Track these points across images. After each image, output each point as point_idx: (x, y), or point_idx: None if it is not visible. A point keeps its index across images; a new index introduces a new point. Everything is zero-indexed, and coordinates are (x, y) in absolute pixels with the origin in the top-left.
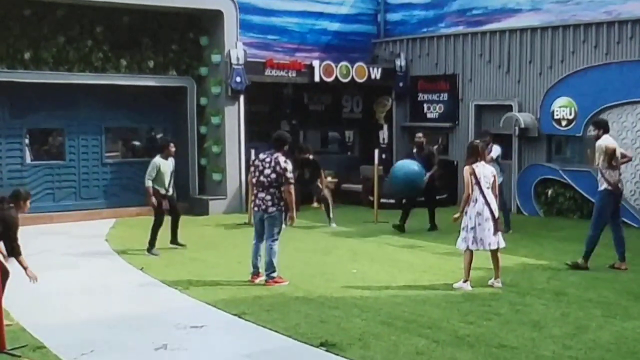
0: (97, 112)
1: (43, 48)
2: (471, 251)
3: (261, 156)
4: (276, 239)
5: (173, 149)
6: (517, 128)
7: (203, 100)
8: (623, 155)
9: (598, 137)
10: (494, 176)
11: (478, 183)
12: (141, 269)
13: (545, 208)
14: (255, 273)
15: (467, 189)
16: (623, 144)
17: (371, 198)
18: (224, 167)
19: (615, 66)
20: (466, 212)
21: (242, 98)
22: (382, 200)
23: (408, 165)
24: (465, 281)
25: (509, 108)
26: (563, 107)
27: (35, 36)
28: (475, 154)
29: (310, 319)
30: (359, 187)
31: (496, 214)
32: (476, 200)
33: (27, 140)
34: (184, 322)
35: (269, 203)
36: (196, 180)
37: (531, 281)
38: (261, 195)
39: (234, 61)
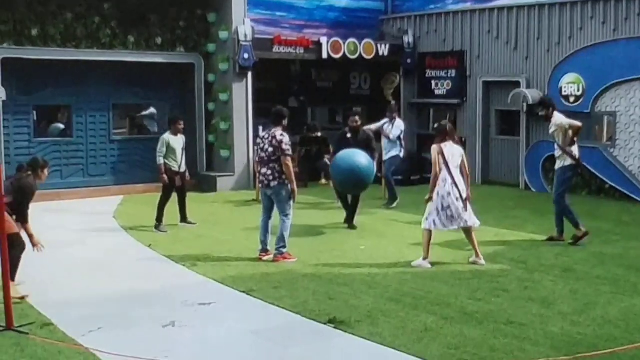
0: (105, 89)
1: (50, 25)
2: (431, 231)
3: (261, 134)
4: (288, 214)
5: (181, 126)
6: (525, 104)
7: (211, 77)
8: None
9: (548, 117)
10: (462, 156)
11: (446, 163)
12: (149, 246)
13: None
14: (264, 250)
15: (435, 168)
16: (632, 121)
17: (379, 175)
18: (232, 144)
19: (623, 42)
20: (437, 193)
21: (249, 75)
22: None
23: (355, 157)
24: (424, 258)
25: (517, 84)
26: (571, 84)
27: (43, 13)
28: (443, 134)
29: (318, 296)
30: None
31: (464, 194)
32: (445, 180)
33: (34, 117)
34: (191, 299)
35: (270, 177)
36: (204, 157)
37: (539, 258)
38: (263, 170)
39: (241, 38)
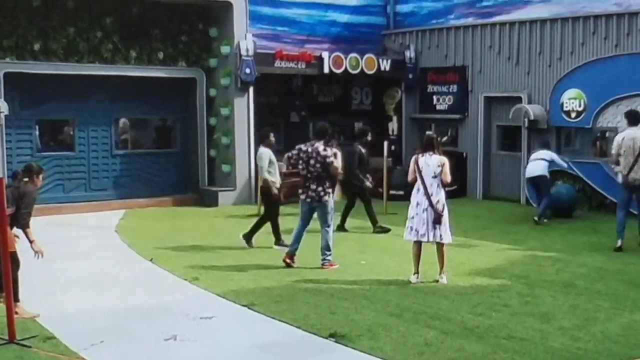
0: (107, 103)
1: (53, 39)
2: (416, 243)
3: (303, 147)
4: (330, 225)
5: (273, 139)
6: (526, 120)
7: (212, 92)
8: None
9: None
10: (442, 165)
11: (420, 172)
12: (151, 260)
13: None
14: (292, 254)
15: (409, 176)
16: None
17: (380, 190)
18: (234, 158)
19: (625, 58)
20: (410, 202)
21: (251, 89)
22: (392, 192)
23: None
24: (413, 273)
25: (519, 100)
26: (572, 99)
27: (45, 27)
28: (423, 145)
29: (319, 310)
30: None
31: (438, 207)
32: (418, 189)
33: (37, 132)
34: (193, 313)
35: (322, 193)
36: (205, 171)
37: (540, 273)
38: (313, 186)
39: (243, 52)
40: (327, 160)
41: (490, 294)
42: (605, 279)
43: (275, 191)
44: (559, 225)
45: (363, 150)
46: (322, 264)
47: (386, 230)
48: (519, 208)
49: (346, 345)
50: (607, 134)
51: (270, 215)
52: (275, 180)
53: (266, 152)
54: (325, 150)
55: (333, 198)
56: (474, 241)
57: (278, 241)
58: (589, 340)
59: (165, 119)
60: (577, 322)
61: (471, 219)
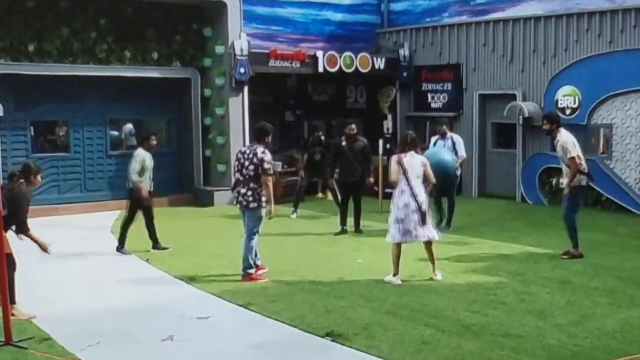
0: (102, 104)
1: (47, 40)
2: (398, 244)
3: (242, 149)
4: (254, 235)
5: (154, 142)
6: (521, 117)
7: (207, 92)
8: None
9: (551, 132)
10: (425, 165)
11: (405, 173)
12: (147, 260)
13: (550, 197)
14: (256, 267)
15: (392, 176)
16: (628, 132)
17: (376, 188)
18: (229, 158)
19: (619, 55)
20: (395, 204)
21: (246, 89)
22: (387, 190)
23: (440, 154)
24: (394, 275)
25: (513, 97)
26: (567, 96)
27: (39, 28)
28: (404, 144)
29: (315, 309)
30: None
31: (424, 206)
32: (403, 191)
33: (32, 133)
34: (189, 313)
35: (250, 199)
36: (201, 171)
37: (536, 270)
38: (242, 190)
39: (237, 52)
40: (264, 165)
41: (487, 291)
42: (602, 275)
43: (146, 194)
44: (553, 222)
45: (343, 143)
46: (242, 277)
47: (343, 232)
48: (515, 205)
49: (343, 344)
50: (601, 131)
51: (130, 219)
52: (144, 185)
53: (141, 155)
54: (264, 153)
55: (265, 207)
56: (469, 239)
57: (156, 244)
58: (586, 337)
59: (160, 119)
60: (574, 318)
61: (466, 217)
